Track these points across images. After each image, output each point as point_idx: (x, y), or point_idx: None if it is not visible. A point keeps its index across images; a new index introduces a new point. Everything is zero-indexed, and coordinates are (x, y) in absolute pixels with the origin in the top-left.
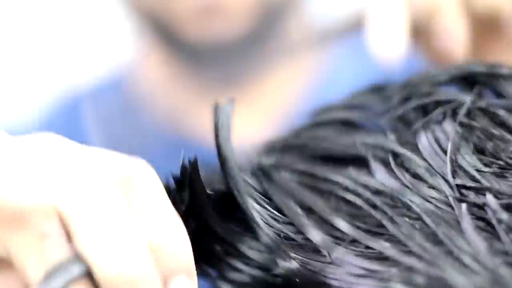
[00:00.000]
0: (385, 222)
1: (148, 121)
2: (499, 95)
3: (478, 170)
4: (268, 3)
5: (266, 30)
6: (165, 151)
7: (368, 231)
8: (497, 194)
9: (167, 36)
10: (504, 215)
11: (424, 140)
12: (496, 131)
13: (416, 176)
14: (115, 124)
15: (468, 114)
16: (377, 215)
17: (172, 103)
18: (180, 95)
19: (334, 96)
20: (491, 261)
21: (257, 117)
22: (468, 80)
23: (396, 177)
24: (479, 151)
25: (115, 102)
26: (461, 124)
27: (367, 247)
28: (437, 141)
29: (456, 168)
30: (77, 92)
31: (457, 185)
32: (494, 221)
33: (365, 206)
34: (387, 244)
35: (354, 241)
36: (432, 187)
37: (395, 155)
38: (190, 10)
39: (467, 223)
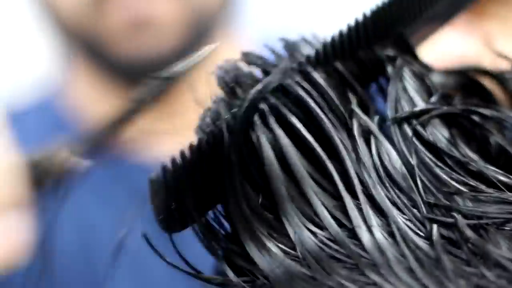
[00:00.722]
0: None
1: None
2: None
3: (447, 192)
4: (197, 19)
5: (193, 47)
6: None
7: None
8: (466, 215)
9: (96, 52)
10: (471, 235)
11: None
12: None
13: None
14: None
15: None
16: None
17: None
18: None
19: None
20: (458, 284)
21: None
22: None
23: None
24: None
25: (43, 123)
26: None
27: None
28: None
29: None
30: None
31: (428, 204)
32: (461, 242)
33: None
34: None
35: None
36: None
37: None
38: (119, 25)
39: (436, 242)
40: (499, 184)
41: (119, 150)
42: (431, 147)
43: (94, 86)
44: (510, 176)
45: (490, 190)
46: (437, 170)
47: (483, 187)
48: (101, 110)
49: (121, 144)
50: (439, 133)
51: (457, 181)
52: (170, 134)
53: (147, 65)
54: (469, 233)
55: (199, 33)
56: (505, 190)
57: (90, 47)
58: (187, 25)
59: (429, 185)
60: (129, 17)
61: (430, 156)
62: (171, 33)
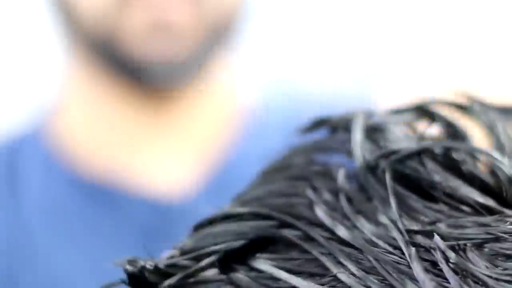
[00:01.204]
0: (326, 261)
1: (70, 173)
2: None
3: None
4: (214, 26)
5: (207, 53)
6: (90, 204)
7: (309, 274)
8: (444, 237)
9: (110, 54)
10: (451, 255)
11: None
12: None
13: (359, 212)
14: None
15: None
16: (322, 257)
17: (101, 149)
18: (112, 137)
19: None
20: None
21: (187, 155)
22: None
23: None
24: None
25: (35, 155)
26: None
27: None
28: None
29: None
30: None
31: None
32: (441, 262)
33: (303, 243)
34: None
35: None
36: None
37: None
38: (138, 28)
39: (417, 264)
40: (477, 207)
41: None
42: (405, 180)
43: (96, 99)
44: (487, 198)
45: (469, 215)
46: (413, 202)
47: (461, 213)
48: (99, 133)
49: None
50: (412, 166)
51: (435, 210)
52: (172, 156)
53: (163, 69)
54: (449, 253)
55: (215, 40)
56: (483, 213)
57: (105, 49)
58: (204, 32)
59: (406, 216)
60: (149, 20)
61: (405, 190)
62: (188, 38)
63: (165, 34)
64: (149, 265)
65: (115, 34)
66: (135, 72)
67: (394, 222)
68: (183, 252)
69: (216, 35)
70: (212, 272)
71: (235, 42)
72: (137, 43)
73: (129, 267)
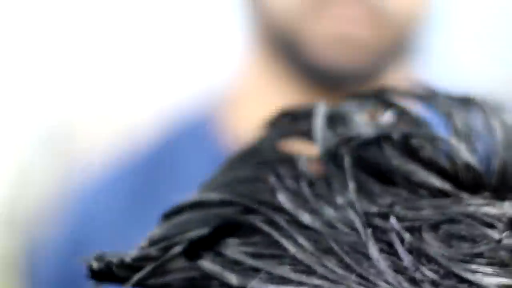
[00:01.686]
0: (286, 243)
1: None
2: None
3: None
4: (394, 38)
5: (386, 64)
6: None
7: (270, 256)
8: (400, 218)
9: (295, 56)
10: (406, 236)
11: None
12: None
13: (320, 197)
14: None
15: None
16: (283, 239)
17: None
18: None
19: None
20: (394, 278)
21: None
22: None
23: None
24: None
25: (202, 142)
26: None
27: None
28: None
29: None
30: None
31: (364, 213)
32: (396, 242)
33: (265, 227)
34: (287, 268)
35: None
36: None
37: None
38: (323, 36)
39: (372, 244)
40: (434, 191)
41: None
42: (365, 165)
43: (273, 94)
44: (444, 182)
45: (426, 198)
46: (371, 185)
47: (418, 196)
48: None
49: None
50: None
51: (392, 193)
52: None
53: (341, 75)
54: (404, 234)
55: (394, 51)
56: (440, 196)
57: (288, 49)
58: (384, 47)
59: (364, 199)
60: (334, 32)
61: (364, 174)
62: (369, 51)
63: (347, 46)
64: (116, 260)
65: (301, 37)
66: (314, 74)
67: (351, 205)
68: (152, 243)
69: (396, 47)
70: (179, 261)
71: (414, 51)
72: (321, 51)
73: (95, 264)
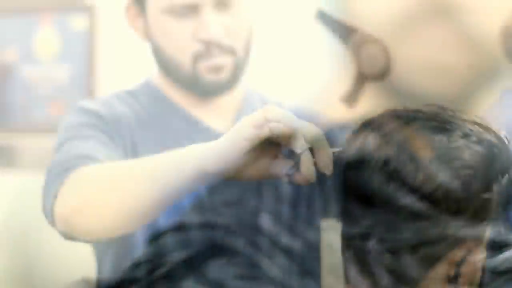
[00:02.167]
0: (267, 264)
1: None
2: None
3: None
4: (483, 71)
5: (472, 94)
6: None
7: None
8: (380, 240)
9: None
10: (386, 257)
11: None
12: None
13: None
14: None
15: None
16: (260, 257)
17: None
18: None
19: None
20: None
21: None
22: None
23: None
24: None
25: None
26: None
27: None
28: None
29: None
30: None
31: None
32: (375, 263)
33: (247, 249)
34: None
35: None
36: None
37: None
38: (413, 64)
39: (353, 266)
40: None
41: None
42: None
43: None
44: (423, 203)
45: (405, 219)
46: (352, 207)
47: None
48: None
49: None
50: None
51: (373, 215)
52: None
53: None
54: (383, 255)
55: (481, 83)
56: (419, 218)
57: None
58: (473, 74)
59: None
60: (422, 60)
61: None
62: (457, 78)
63: (436, 73)
64: (102, 283)
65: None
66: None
67: (333, 227)
68: (136, 265)
69: (483, 80)
70: (163, 283)
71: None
72: (411, 77)
73: None
